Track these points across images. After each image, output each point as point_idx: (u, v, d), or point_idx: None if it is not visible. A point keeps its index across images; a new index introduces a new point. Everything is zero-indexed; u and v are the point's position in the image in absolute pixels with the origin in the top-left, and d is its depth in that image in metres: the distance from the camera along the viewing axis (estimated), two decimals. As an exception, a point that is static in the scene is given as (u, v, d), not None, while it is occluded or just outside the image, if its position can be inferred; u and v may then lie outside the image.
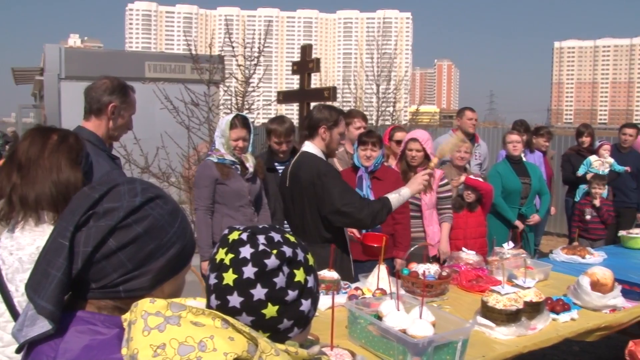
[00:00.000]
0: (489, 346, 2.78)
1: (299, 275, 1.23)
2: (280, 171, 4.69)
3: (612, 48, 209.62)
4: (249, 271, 1.18)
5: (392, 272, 3.42)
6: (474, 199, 5.30)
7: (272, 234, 1.24)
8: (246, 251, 1.19)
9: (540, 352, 4.50)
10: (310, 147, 3.68)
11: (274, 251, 1.20)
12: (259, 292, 1.18)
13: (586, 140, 7.40)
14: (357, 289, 3.28)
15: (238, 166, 4.22)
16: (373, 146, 4.47)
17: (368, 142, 4.48)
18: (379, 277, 3.29)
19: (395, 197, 3.57)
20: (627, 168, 6.94)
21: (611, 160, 6.91)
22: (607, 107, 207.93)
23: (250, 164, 4.26)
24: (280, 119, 4.80)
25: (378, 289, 3.21)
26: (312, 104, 6.57)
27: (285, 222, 4.43)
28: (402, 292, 3.25)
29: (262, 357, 1.03)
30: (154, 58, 14.08)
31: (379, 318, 2.61)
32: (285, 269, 1.21)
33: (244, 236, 1.22)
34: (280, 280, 1.20)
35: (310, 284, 1.26)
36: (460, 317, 2.88)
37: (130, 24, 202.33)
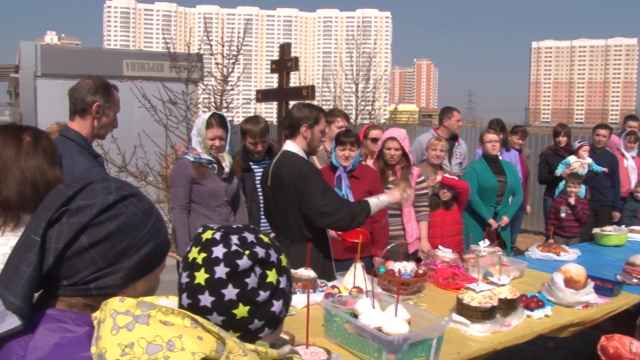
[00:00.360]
0: (464, 343, 2.81)
1: (271, 276, 1.24)
2: (255, 171, 4.70)
3: (588, 48, 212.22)
4: (221, 271, 1.19)
5: (371, 271, 3.44)
6: (450, 197, 5.35)
7: (246, 234, 1.25)
8: (219, 251, 1.20)
9: (516, 349, 4.56)
10: (292, 146, 3.71)
11: (247, 252, 1.21)
12: (230, 292, 1.18)
13: (563, 139, 7.51)
14: (333, 287, 3.30)
15: (215, 165, 4.21)
16: (351, 146, 4.48)
17: (346, 142, 4.48)
18: (355, 275, 3.30)
19: (375, 202, 3.64)
20: (605, 169, 7.05)
21: (590, 160, 7.01)
22: (584, 107, 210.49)
23: (226, 163, 4.24)
24: (254, 119, 4.79)
25: (354, 287, 3.22)
26: (291, 103, 6.58)
27: (262, 221, 4.45)
28: (378, 290, 3.27)
29: (230, 357, 1.03)
30: (132, 56, 14.00)
31: (355, 316, 2.62)
32: (258, 270, 1.22)
33: (217, 236, 1.23)
34: (252, 281, 1.20)
35: (282, 284, 1.27)
36: (436, 314, 2.90)
37: (109, 21, 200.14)
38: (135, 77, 11.71)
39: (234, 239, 1.22)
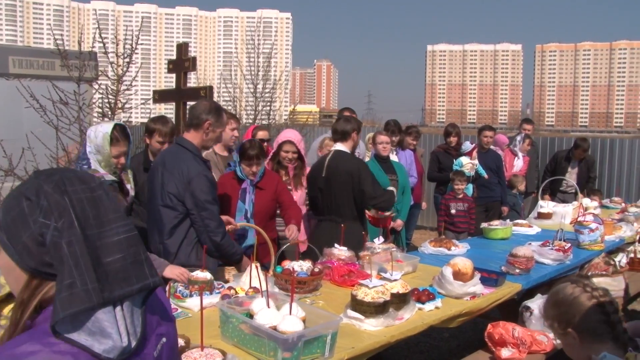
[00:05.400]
0: (359, 337, 2.88)
1: None
2: None
3: (479, 53, 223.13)
4: None
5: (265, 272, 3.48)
6: None
7: None
8: None
9: (413, 340, 4.75)
10: (342, 147, 4.85)
11: None
12: None
13: (453, 140, 7.90)
14: (230, 288, 3.29)
15: (116, 185, 3.74)
16: (257, 160, 4.41)
17: (252, 157, 4.39)
18: (251, 276, 3.32)
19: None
20: (486, 176, 7.49)
21: (476, 162, 7.43)
22: (476, 108, 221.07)
23: (131, 185, 3.89)
24: (163, 119, 4.71)
25: (251, 287, 3.24)
26: (189, 103, 6.48)
27: None
28: (275, 289, 3.31)
29: None
30: (20, 52, 13.09)
31: (251, 316, 2.64)
32: None
33: None
34: None
35: None
36: (332, 311, 2.98)
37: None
38: (23, 75, 10.99)
39: None
